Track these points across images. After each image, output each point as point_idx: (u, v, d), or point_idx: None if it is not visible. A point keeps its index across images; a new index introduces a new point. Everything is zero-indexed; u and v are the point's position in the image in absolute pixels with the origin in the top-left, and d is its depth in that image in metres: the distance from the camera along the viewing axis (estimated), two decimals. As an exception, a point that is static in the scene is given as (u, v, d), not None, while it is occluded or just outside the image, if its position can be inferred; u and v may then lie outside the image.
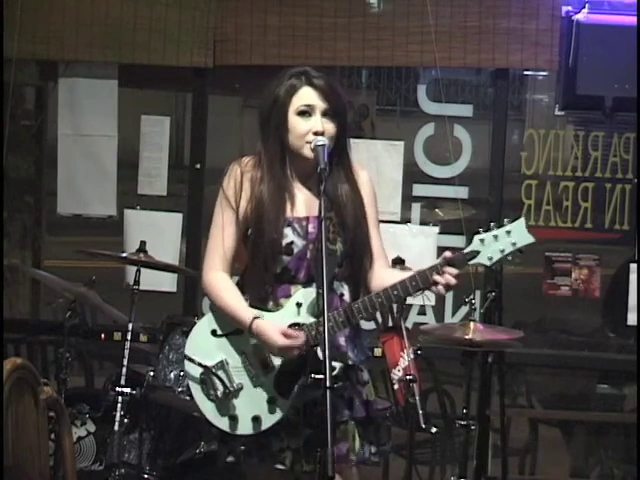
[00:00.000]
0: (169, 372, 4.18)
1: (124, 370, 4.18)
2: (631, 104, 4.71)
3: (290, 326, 3.07)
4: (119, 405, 4.14)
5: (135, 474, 4.20)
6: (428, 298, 4.47)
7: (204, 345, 3.19)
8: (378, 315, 4.82)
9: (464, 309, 4.92)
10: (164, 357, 4.22)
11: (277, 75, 3.20)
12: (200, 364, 3.16)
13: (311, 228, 3.14)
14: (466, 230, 4.86)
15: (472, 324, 4.00)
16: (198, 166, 5.18)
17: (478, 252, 3.00)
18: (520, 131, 5.44)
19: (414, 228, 5.07)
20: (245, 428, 3.13)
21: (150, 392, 4.14)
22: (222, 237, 3.19)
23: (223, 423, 3.16)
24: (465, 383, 4.08)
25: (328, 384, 2.70)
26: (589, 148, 5.08)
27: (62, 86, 5.27)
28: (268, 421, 3.12)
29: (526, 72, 5.55)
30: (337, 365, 3.03)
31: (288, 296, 3.13)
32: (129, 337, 4.24)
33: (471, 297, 4.09)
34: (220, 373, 3.14)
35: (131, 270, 4.56)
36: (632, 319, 4.90)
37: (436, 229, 5.06)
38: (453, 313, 5.06)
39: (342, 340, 3.16)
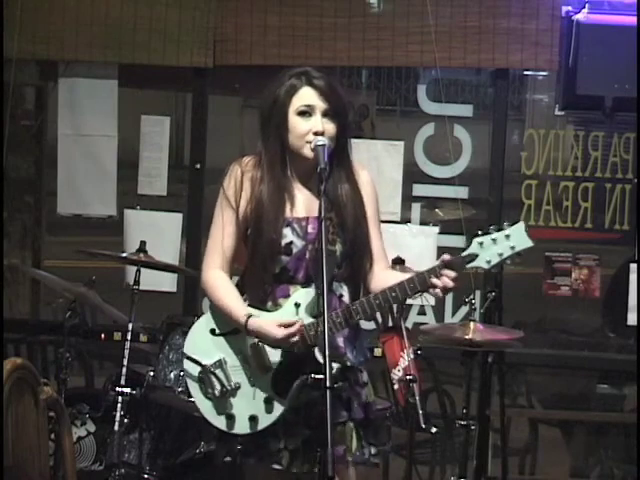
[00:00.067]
0: (169, 372, 4.17)
1: (124, 370, 4.19)
2: (631, 104, 4.70)
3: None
4: (119, 405, 4.14)
5: (135, 474, 4.19)
6: (427, 299, 4.46)
7: (202, 344, 3.20)
8: (378, 315, 4.82)
9: (464, 309, 4.91)
10: (164, 357, 4.21)
11: (277, 75, 3.20)
12: (198, 362, 3.16)
13: (310, 228, 3.14)
14: (466, 230, 4.86)
15: (472, 324, 4.00)
16: (198, 166, 5.18)
17: (476, 255, 2.99)
18: (520, 131, 5.44)
19: (414, 228, 5.07)
20: (242, 427, 3.13)
21: (150, 392, 4.14)
22: (222, 236, 3.20)
23: (220, 422, 3.16)
24: (465, 383, 4.08)
25: (328, 384, 2.70)
26: (589, 148, 5.08)
27: (62, 86, 5.26)
28: (265, 421, 3.12)
29: (526, 72, 5.55)
30: (334, 366, 3.01)
31: (287, 296, 3.13)
32: (129, 337, 4.25)
33: (471, 297, 4.09)
34: (218, 372, 3.15)
35: (131, 270, 4.56)
36: (632, 319, 4.90)
37: (436, 229, 5.05)
38: (453, 313, 5.06)
39: (340, 341, 3.15)
